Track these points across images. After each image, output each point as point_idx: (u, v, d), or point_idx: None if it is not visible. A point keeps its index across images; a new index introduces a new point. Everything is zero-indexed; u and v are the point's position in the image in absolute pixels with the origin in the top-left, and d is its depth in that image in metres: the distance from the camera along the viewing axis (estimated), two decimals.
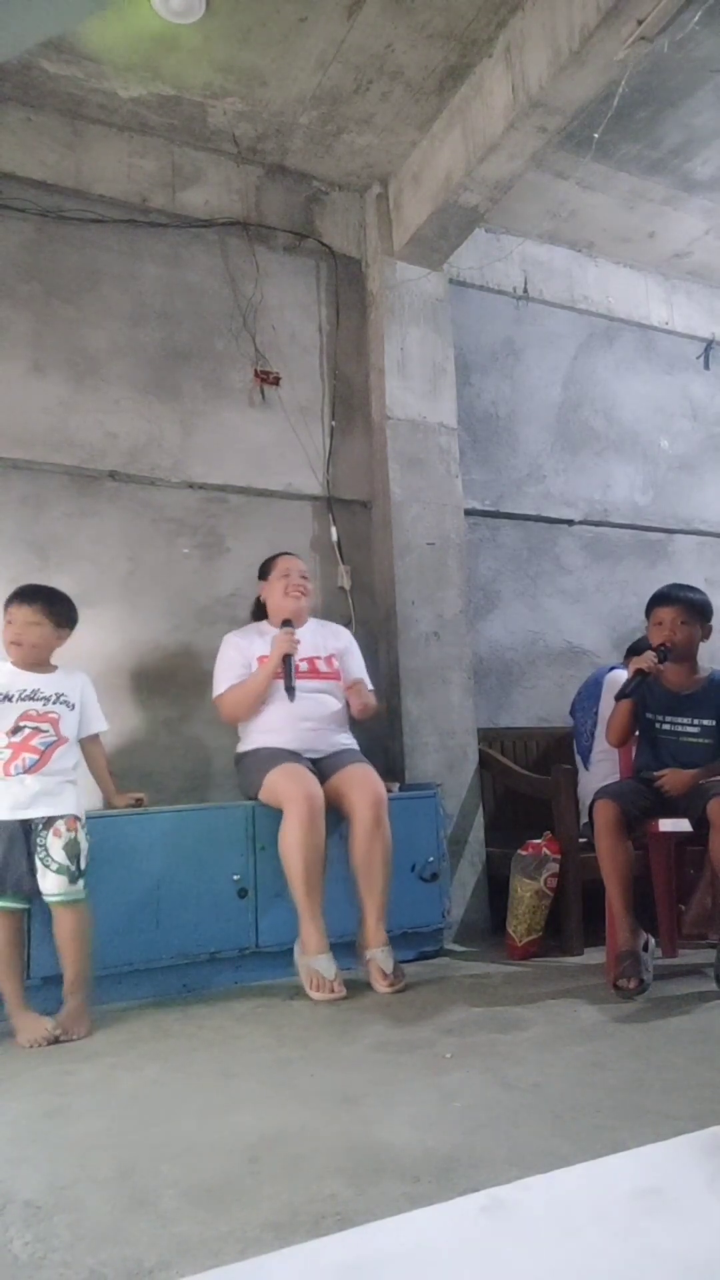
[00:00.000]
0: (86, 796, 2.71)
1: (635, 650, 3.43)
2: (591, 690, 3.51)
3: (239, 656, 3.07)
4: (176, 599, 3.44)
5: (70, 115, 3.49)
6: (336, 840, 2.84)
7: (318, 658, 3.11)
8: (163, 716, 3.34)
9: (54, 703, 2.61)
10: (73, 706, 2.65)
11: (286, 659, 2.94)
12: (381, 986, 2.62)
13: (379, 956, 2.68)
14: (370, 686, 3.14)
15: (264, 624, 3.19)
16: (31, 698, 2.59)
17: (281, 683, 2.94)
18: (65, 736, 2.60)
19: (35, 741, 2.54)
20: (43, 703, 2.59)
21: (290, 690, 2.91)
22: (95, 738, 2.76)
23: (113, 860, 2.65)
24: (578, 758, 3.51)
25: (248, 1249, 1.20)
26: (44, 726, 2.56)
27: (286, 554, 3.28)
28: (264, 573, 3.24)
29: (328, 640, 3.20)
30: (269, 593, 3.19)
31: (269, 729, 2.99)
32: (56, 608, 2.66)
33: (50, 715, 2.58)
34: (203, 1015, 2.47)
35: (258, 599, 3.29)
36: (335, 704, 3.09)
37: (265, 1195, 1.36)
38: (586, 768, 3.43)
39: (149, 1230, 1.28)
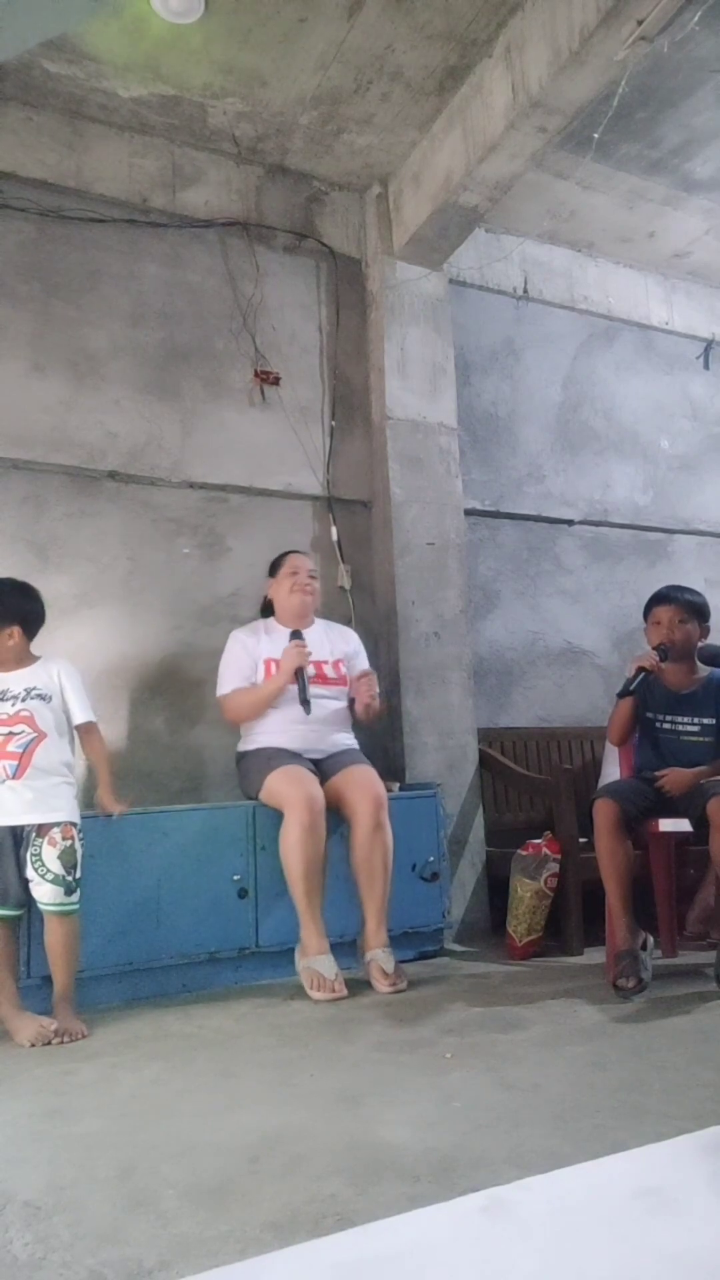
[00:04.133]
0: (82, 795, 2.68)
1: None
2: None
3: (245, 655, 3.07)
4: (176, 599, 3.44)
5: (70, 115, 3.49)
6: (337, 841, 2.84)
7: (325, 663, 3.09)
8: (163, 716, 3.34)
9: (25, 699, 2.51)
10: (49, 698, 2.54)
11: (299, 672, 2.93)
12: (382, 986, 2.62)
13: (379, 957, 2.68)
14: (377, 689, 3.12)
15: (271, 621, 3.19)
16: (1, 698, 2.51)
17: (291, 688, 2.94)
18: (44, 731, 2.49)
19: (11, 746, 2.45)
20: (12, 702, 2.50)
21: (305, 704, 2.91)
22: (85, 729, 2.61)
23: (112, 860, 2.65)
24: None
25: (248, 1249, 1.20)
26: (17, 729, 2.47)
27: (296, 552, 3.27)
28: (274, 569, 3.23)
29: (335, 644, 3.19)
30: (276, 590, 3.18)
31: (270, 729, 2.99)
32: None
33: (23, 714, 2.49)
34: (203, 1015, 2.47)
35: (266, 596, 3.29)
36: (338, 704, 3.09)
37: (265, 1195, 1.36)
38: None
39: (149, 1230, 1.28)
